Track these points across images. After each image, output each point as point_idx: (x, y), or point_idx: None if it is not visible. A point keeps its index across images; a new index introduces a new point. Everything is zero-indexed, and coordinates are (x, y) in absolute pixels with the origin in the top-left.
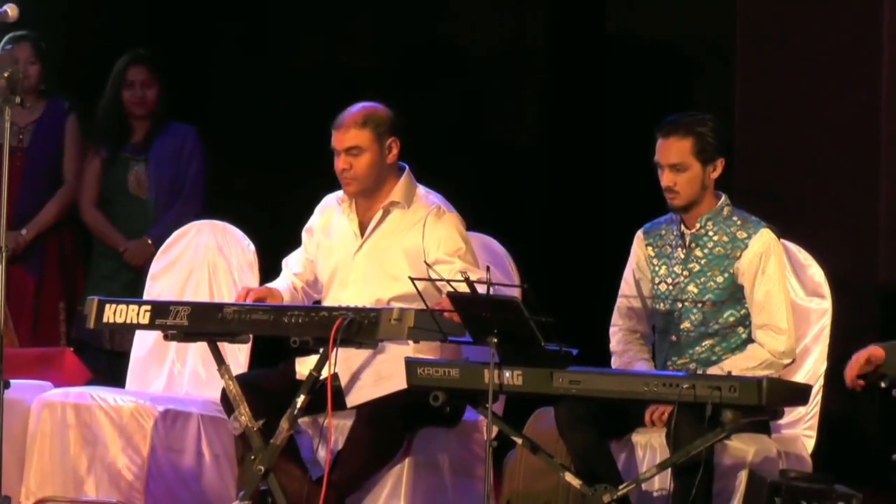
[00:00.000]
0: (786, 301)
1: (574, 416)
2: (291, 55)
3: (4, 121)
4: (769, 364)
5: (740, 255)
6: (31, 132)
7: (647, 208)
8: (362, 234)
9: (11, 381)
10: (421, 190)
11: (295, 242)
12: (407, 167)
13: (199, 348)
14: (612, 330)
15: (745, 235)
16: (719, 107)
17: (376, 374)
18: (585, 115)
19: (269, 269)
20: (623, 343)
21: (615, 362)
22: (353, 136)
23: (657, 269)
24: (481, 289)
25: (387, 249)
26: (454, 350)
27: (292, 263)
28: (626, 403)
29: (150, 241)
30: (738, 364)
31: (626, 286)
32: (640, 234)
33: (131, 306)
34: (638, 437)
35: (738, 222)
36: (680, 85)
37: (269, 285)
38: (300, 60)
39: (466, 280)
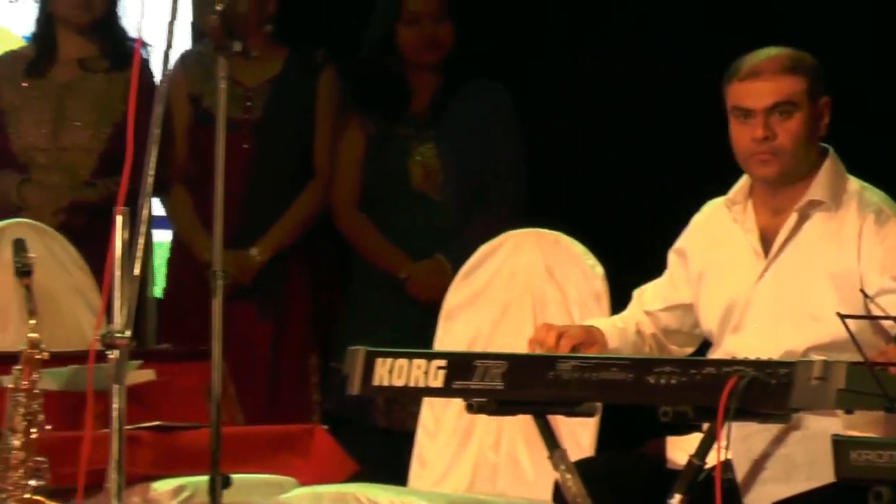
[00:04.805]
0: None
1: None
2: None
3: (220, 80)
4: None
5: None
6: (266, 97)
7: None
8: (766, 253)
9: (234, 475)
10: (853, 183)
11: (661, 267)
12: (831, 149)
13: (521, 424)
14: None
15: None
16: None
17: (789, 461)
18: None
19: (625, 303)
20: None
21: None
22: (783, 85)
23: None
24: None
25: (804, 273)
26: None
27: (648, 297)
28: None
29: (446, 262)
30: None
31: None
32: None
33: (416, 361)
34: None
35: None
36: None
37: (592, 323)
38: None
39: None
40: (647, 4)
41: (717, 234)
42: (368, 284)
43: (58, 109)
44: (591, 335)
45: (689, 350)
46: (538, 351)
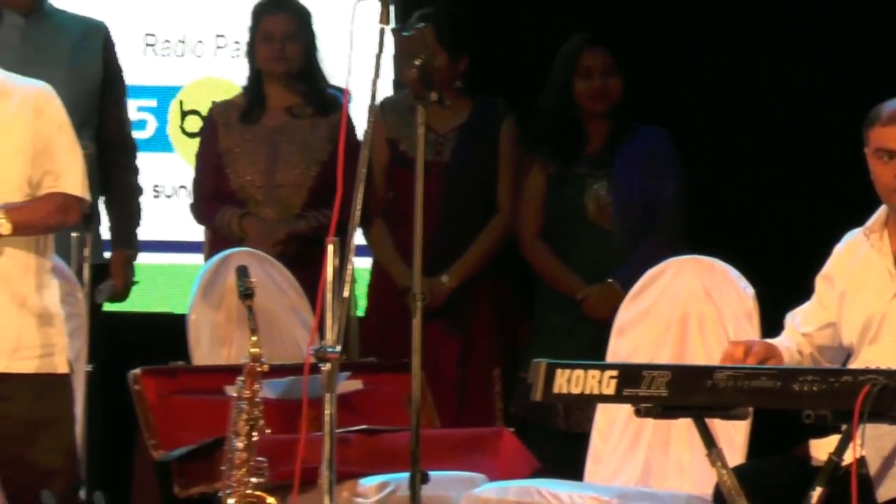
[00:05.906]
0: None
1: None
2: (795, 42)
3: (418, 126)
4: None
5: None
6: (454, 142)
7: None
8: None
9: (432, 472)
10: None
11: (807, 290)
12: None
13: (684, 427)
14: None
15: None
16: None
17: None
18: None
19: (773, 321)
20: None
21: None
22: None
23: None
24: None
25: None
26: None
27: (800, 320)
28: None
29: (618, 286)
30: None
31: None
32: None
33: (591, 371)
34: None
35: None
36: None
37: (769, 341)
38: (805, 50)
39: None
40: (805, 44)
41: (856, 258)
42: (550, 305)
43: (270, 151)
44: (772, 351)
45: (839, 363)
46: (729, 364)
